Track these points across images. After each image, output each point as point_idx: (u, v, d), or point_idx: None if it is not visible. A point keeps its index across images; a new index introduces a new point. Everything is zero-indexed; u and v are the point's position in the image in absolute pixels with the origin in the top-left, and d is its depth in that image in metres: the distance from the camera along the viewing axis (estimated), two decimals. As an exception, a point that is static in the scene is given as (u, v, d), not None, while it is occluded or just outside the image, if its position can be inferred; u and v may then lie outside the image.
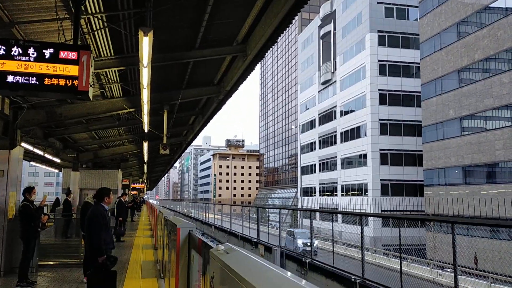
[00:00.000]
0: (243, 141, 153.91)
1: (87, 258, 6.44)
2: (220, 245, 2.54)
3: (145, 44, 5.71)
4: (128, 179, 37.25)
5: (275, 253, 14.10)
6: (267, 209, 48.31)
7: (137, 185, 45.80)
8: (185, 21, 7.66)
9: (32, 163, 23.28)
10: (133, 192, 43.22)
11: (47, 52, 4.75)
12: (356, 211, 39.97)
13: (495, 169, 28.17)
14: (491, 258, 22.36)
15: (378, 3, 46.36)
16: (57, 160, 18.52)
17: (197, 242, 3.87)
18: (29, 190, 7.85)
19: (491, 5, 28.71)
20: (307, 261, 11.93)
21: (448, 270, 17.17)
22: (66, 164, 21.41)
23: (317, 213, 43.83)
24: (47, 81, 4.70)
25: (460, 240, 7.70)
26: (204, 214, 36.92)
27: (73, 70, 4.79)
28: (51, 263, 9.51)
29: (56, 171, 29.87)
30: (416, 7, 41.02)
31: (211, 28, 8.00)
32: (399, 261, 9.88)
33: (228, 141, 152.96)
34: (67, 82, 4.75)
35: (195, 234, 4.19)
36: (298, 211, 43.09)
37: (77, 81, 4.79)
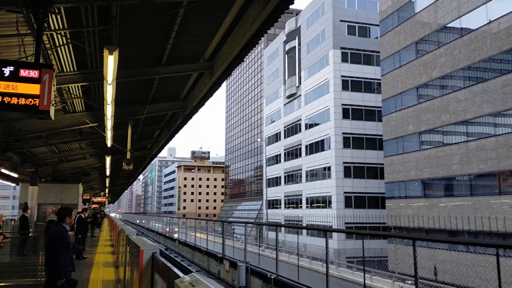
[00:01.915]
0: (208, 152, 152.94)
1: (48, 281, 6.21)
2: (186, 276, 2.51)
3: (110, 62, 5.63)
4: (89, 193, 36.20)
5: (240, 269, 14.02)
6: (232, 223, 48.07)
7: (99, 199, 44.54)
8: (152, 38, 7.62)
9: (-14, 176, 22.24)
10: (94, 206, 41.99)
11: (7, 70, 4.60)
12: (320, 224, 40.44)
13: (452, 182, 29.24)
14: (450, 270, 23.09)
15: (341, 21, 47.67)
16: (15, 175, 17.80)
17: (161, 266, 3.80)
18: (-16, 209, 7.50)
19: (447, 25, 30.08)
20: (272, 277, 11.93)
21: (409, 282, 17.57)
22: (24, 178, 20.60)
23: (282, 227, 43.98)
24: (6, 100, 4.55)
25: (421, 253, 7.93)
26: (167, 228, 36.31)
27: (34, 89, 4.65)
28: (5, 284, 9.04)
29: (13, 184, 28.65)
30: (377, 25, 42.45)
31: (178, 45, 7.99)
32: (363, 274, 10.06)
33: (193, 152, 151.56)
34: (28, 101, 4.61)
35: (158, 257, 4.13)
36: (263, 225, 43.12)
37: (38, 100, 4.66)
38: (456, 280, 20.47)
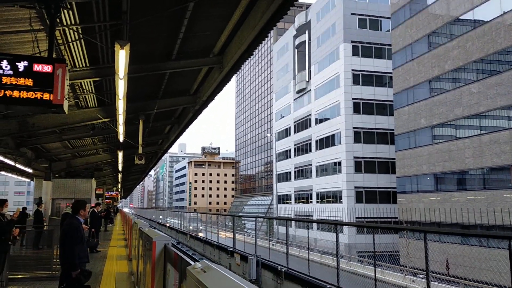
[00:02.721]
0: (218, 148, 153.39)
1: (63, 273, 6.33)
2: (197, 262, 2.56)
3: (122, 56, 5.70)
4: (102, 188, 36.61)
5: (251, 262, 14.11)
6: (242, 217, 48.21)
7: (111, 194, 45.03)
8: (162, 33, 7.67)
9: (1, 172, 22.62)
10: (107, 201, 42.47)
11: (21, 65, 4.69)
12: (331, 219, 40.37)
13: (465, 176, 28.98)
14: (462, 264, 22.95)
15: (351, 14, 47.29)
16: (29, 170, 18.07)
17: (173, 256, 3.85)
18: (1, 203, 7.66)
19: (460, 17, 29.70)
20: (283, 270, 11.98)
21: (421, 276, 17.51)
22: (38, 174, 20.90)
23: (293, 221, 43.99)
24: (21, 95, 4.64)
25: (432, 247, 7.91)
26: (179, 223, 36.57)
27: (48, 83, 4.74)
28: (21, 276, 9.22)
29: (28, 180, 29.09)
30: (389, 18, 42.06)
31: (187, 39, 8.03)
32: (374, 268, 10.05)
33: (203, 148, 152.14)
34: (42, 96, 4.69)
35: (171, 247, 4.18)
36: (274, 219, 43.14)
37: (52, 94, 4.74)
38: (469, 274, 20.33)
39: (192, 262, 2.87)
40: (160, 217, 53.04)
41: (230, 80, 9.65)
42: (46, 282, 8.65)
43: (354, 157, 44.90)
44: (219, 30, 7.94)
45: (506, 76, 25.52)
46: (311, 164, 53.50)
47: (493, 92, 26.39)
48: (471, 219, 25.62)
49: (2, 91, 4.60)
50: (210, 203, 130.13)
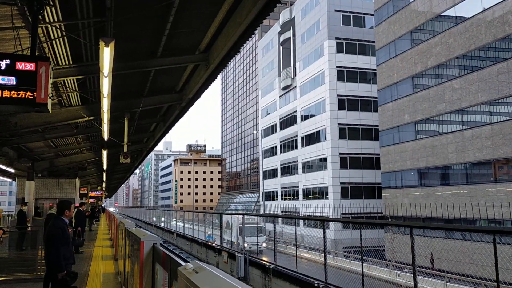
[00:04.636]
0: (204, 146, 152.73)
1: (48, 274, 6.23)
2: (189, 263, 2.54)
3: (106, 54, 5.61)
4: (86, 187, 36.17)
5: (239, 260, 14.11)
6: (230, 215, 48.11)
7: (96, 193, 44.52)
8: (147, 30, 7.58)
9: (-18, 172, 22.15)
10: (91, 201, 42.01)
11: (3, 63, 4.58)
12: (317, 215, 40.61)
13: (448, 171, 29.39)
14: (447, 258, 23.31)
15: (335, 11, 47.49)
16: (11, 170, 17.73)
17: (161, 256, 3.82)
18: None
19: (442, 14, 30.04)
20: (271, 267, 12.00)
21: (406, 270, 17.74)
22: (20, 173, 20.53)
23: (280, 218, 44.06)
24: (3, 94, 4.53)
25: (417, 241, 8.00)
26: (165, 222, 36.35)
27: (31, 82, 4.64)
28: (4, 278, 9.05)
29: (10, 180, 28.54)
30: (372, 15, 42.33)
31: (173, 37, 7.95)
32: (361, 263, 10.14)
33: (189, 146, 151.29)
34: (25, 95, 4.59)
35: (159, 247, 4.15)
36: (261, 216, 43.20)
37: (35, 93, 4.64)
38: (453, 268, 20.67)
39: (182, 262, 2.84)
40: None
41: (216, 78, 9.60)
42: (31, 284, 8.50)
43: (340, 153, 45.20)
44: (205, 27, 7.88)
45: (487, 72, 25.93)
46: (297, 161, 53.69)
47: (475, 87, 26.79)
48: (456, 213, 26.03)
49: (-16, 90, 4.48)
50: (196, 201, 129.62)
